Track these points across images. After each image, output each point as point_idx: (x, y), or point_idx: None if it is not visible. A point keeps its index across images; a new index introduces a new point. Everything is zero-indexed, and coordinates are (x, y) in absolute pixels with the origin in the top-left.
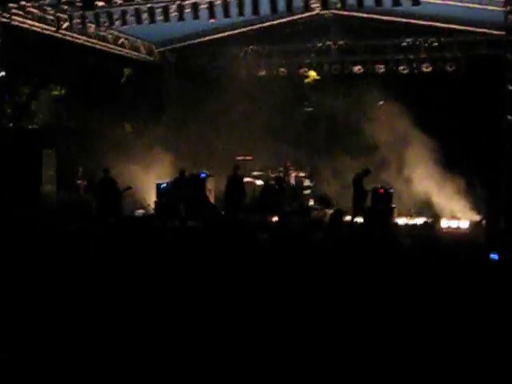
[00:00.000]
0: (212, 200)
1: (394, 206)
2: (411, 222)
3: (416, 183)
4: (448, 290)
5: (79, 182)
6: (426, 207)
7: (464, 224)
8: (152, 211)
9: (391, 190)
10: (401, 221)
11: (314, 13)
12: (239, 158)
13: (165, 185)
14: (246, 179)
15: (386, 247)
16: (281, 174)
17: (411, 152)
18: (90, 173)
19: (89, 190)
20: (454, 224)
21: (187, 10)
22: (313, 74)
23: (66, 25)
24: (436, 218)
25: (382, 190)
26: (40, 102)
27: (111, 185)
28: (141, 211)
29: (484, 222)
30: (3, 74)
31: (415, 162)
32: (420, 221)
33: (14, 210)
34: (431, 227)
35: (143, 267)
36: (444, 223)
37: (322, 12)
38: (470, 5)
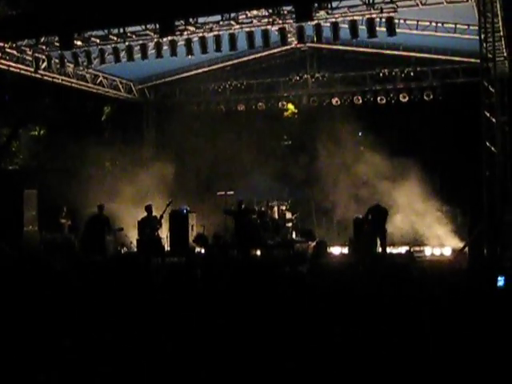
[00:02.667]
0: (192, 235)
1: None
2: (395, 250)
3: (398, 212)
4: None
5: (63, 221)
6: (409, 236)
7: (447, 251)
8: (134, 249)
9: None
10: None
11: (290, 47)
12: (220, 193)
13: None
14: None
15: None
16: (263, 208)
17: (393, 182)
18: (73, 212)
19: (73, 229)
20: (437, 252)
21: (165, 47)
22: (291, 107)
23: (44, 65)
24: (418, 246)
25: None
26: (20, 143)
27: (104, 222)
28: (124, 249)
29: (466, 249)
30: None
31: (396, 192)
32: (403, 250)
33: None
34: (413, 256)
35: (133, 303)
36: (428, 251)
37: (299, 45)
38: (445, 34)
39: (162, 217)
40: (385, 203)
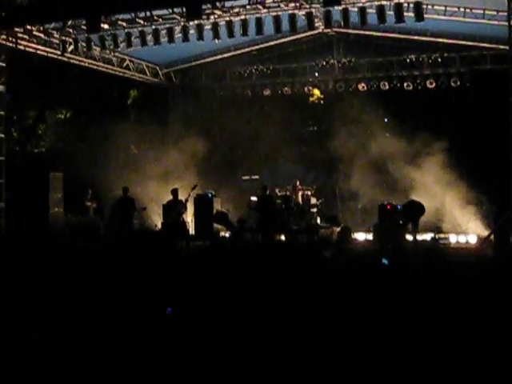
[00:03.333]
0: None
1: (401, 221)
2: (420, 237)
3: (424, 199)
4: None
5: (88, 203)
6: (434, 223)
7: (472, 239)
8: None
9: (398, 207)
10: (409, 236)
11: (317, 31)
12: (245, 177)
13: None
14: (253, 198)
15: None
16: (288, 193)
17: (419, 169)
18: (98, 194)
19: (98, 212)
20: (462, 239)
21: (191, 31)
22: (317, 92)
23: (71, 48)
24: (443, 233)
25: (389, 206)
26: (46, 126)
27: (130, 203)
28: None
29: (492, 236)
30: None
31: (423, 179)
32: (428, 237)
33: (25, 233)
34: (439, 243)
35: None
36: (453, 238)
37: (326, 30)
38: (474, 20)
39: (186, 201)
40: (411, 189)
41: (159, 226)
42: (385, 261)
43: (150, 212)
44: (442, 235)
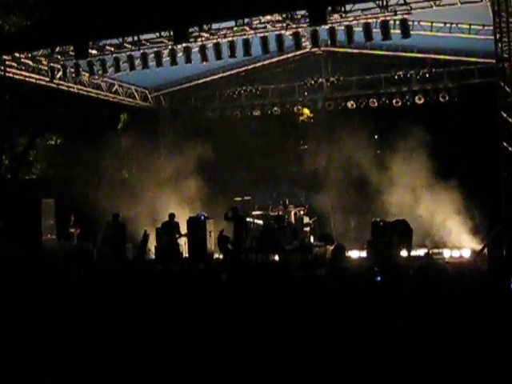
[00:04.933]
0: (212, 241)
1: (394, 239)
2: (413, 253)
3: (416, 215)
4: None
5: (72, 230)
6: (427, 238)
7: (466, 253)
8: (152, 256)
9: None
10: (403, 252)
11: (305, 51)
12: (238, 198)
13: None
14: (246, 219)
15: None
16: (280, 213)
17: (409, 184)
18: (94, 219)
19: (82, 237)
20: (456, 254)
21: (179, 54)
22: (306, 111)
23: (59, 74)
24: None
25: (382, 223)
26: (37, 152)
27: (121, 229)
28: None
29: (486, 250)
30: None
31: (413, 194)
32: (422, 252)
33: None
34: (432, 258)
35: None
36: (447, 253)
37: (313, 50)
38: (460, 35)
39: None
40: (402, 205)
41: (152, 250)
42: (378, 278)
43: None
44: (435, 250)
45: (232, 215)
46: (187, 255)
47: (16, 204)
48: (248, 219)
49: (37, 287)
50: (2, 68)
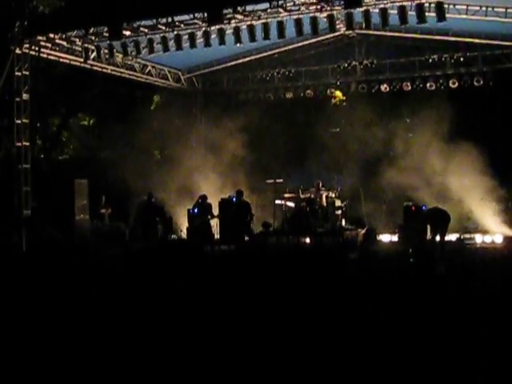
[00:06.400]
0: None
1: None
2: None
3: (448, 200)
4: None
5: (103, 210)
6: (460, 223)
7: (498, 239)
8: (184, 237)
9: (423, 208)
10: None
11: (338, 33)
12: (270, 181)
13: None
14: (278, 202)
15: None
16: (312, 196)
17: (443, 168)
18: (127, 200)
19: (113, 218)
20: (488, 239)
21: (213, 36)
22: (339, 94)
23: (93, 55)
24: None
25: (414, 208)
26: (70, 133)
27: (156, 210)
28: (174, 236)
29: None
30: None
31: (446, 178)
32: (453, 237)
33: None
34: (464, 243)
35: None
36: (478, 238)
37: (347, 32)
38: (496, 18)
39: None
40: (437, 189)
41: (184, 231)
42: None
43: (174, 217)
44: (467, 235)
45: (238, 198)
46: (218, 236)
47: (49, 184)
48: (278, 201)
49: (73, 268)
50: (37, 48)
